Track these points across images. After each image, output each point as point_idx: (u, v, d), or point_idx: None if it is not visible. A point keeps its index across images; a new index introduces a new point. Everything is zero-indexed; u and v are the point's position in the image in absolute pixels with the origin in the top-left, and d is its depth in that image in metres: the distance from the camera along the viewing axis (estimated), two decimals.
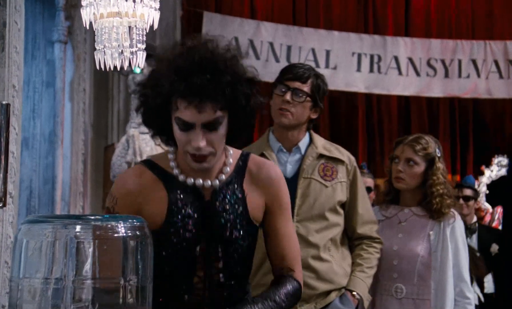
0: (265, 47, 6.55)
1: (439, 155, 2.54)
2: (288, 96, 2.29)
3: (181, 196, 1.62)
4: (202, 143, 1.54)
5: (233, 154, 1.70)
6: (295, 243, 1.75)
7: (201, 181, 1.62)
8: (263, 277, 2.18)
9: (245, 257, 1.69)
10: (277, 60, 6.56)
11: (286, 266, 1.71)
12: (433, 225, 2.50)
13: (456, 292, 2.48)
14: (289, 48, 6.60)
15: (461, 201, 4.37)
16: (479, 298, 3.80)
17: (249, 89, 1.59)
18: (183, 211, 1.61)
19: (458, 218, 2.56)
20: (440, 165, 2.52)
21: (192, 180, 1.62)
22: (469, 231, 4.23)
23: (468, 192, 4.34)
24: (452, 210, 2.54)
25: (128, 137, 4.91)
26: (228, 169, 1.66)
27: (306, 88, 2.31)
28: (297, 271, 1.72)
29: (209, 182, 1.62)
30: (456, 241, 2.51)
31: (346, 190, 2.39)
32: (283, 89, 2.31)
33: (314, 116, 2.38)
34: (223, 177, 1.64)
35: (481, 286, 3.85)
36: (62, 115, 4.47)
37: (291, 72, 2.32)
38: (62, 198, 4.47)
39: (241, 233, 1.64)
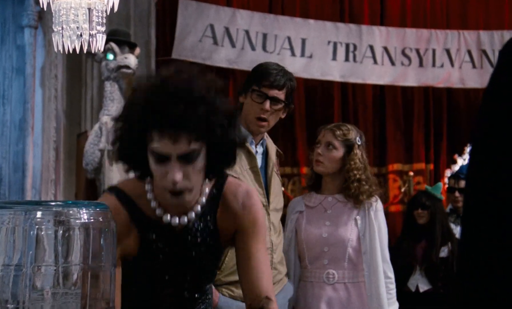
0: (241, 35, 6.52)
1: (359, 143, 2.59)
2: (267, 105, 2.30)
3: (154, 235, 1.61)
4: (178, 176, 1.48)
5: (209, 181, 1.66)
6: (268, 267, 1.70)
7: (177, 219, 1.60)
8: (225, 277, 2.28)
9: (211, 275, 1.74)
10: (253, 48, 6.53)
11: (264, 296, 1.65)
12: (359, 209, 2.56)
13: None
14: (265, 36, 6.58)
15: (457, 193, 4.34)
16: (417, 287, 3.79)
17: (226, 121, 1.52)
18: (154, 246, 1.62)
19: (379, 199, 2.63)
20: (358, 151, 2.56)
21: (168, 218, 1.60)
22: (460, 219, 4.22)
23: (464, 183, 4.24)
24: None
25: (101, 125, 4.86)
26: (204, 200, 1.63)
27: (282, 95, 2.34)
28: (273, 298, 1.67)
29: (185, 219, 1.61)
30: (379, 222, 2.58)
31: None
32: (261, 97, 2.31)
33: (283, 116, 2.44)
34: (199, 208, 1.62)
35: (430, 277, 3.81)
36: (32, 102, 4.40)
37: (268, 79, 2.30)
38: (33, 185, 4.41)
39: (211, 260, 1.68)
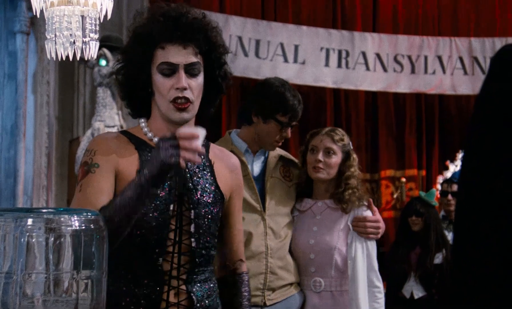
0: (234, 41, 6.52)
1: (351, 148, 2.58)
2: (289, 133, 2.48)
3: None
4: (185, 83, 1.66)
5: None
6: (242, 232, 1.93)
7: None
8: None
9: (213, 227, 1.74)
10: (246, 55, 6.54)
11: (238, 259, 1.89)
12: (347, 216, 2.49)
13: (367, 281, 2.47)
14: (257, 42, 6.59)
15: (450, 196, 4.34)
16: (412, 293, 3.79)
17: (223, 44, 1.76)
18: None
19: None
20: (355, 157, 2.55)
21: None
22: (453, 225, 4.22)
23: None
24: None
25: (94, 131, 4.85)
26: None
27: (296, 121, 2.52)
28: (244, 260, 1.91)
29: None
30: None
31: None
32: (286, 126, 2.46)
33: None
34: None
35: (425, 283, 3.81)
36: (24, 108, 4.38)
37: (295, 116, 2.45)
38: (24, 192, 4.38)
39: (211, 197, 1.73)
